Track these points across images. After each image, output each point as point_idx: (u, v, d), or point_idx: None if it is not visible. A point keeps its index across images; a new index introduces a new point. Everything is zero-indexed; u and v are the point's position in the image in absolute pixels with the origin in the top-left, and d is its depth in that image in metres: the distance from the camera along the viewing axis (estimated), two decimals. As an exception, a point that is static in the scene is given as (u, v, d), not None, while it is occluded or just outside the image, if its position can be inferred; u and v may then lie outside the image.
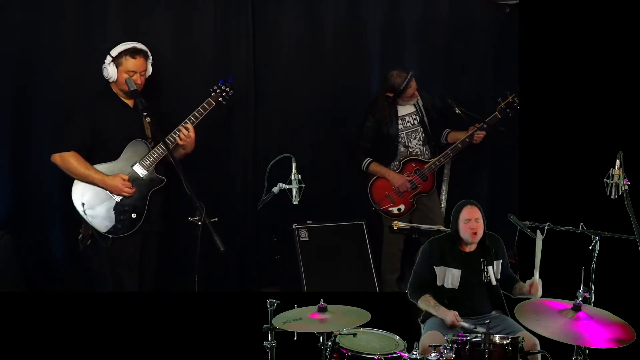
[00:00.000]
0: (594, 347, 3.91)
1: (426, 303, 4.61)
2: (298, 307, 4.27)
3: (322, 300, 4.21)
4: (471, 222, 4.63)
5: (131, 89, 5.14)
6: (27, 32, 5.60)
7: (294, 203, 4.72)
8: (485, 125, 5.84)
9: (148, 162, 5.20)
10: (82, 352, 5.15)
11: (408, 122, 5.96)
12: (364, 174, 5.98)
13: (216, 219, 4.86)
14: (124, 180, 5.13)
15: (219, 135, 5.91)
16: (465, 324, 4.40)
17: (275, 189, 4.78)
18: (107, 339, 5.18)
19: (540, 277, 4.47)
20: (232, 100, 5.51)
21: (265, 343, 4.29)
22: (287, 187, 4.72)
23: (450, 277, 4.63)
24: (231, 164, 5.99)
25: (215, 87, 5.40)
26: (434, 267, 4.66)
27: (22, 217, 5.72)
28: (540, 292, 4.50)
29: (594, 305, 4.16)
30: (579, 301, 4.00)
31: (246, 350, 4.87)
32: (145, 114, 5.09)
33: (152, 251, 5.37)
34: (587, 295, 4.10)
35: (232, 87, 5.43)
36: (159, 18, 5.79)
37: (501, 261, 4.73)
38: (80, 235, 5.21)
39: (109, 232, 5.13)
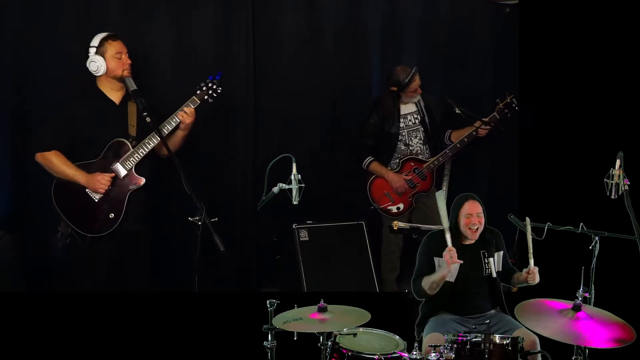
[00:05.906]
0: (594, 347, 3.92)
1: (427, 280, 4.51)
2: (298, 307, 4.26)
3: (322, 300, 4.21)
4: (472, 218, 4.58)
5: (131, 89, 5.12)
6: (27, 32, 5.60)
7: (294, 203, 4.71)
8: (483, 126, 5.85)
9: (129, 162, 5.16)
10: (82, 352, 5.15)
11: (409, 120, 5.98)
12: (363, 173, 5.99)
13: (216, 219, 4.86)
14: (103, 177, 5.09)
15: (219, 135, 5.91)
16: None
17: (275, 189, 4.77)
18: (107, 338, 5.18)
19: (535, 264, 4.42)
20: (222, 98, 5.39)
21: (265, 343, 4.29)
22: (287, 187, 4.71)
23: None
24: (231, 164, 5.99)
25: (202, 84, 5.28)
26: (434, 258, 4.60)
27: (22, 217, 5.72)
28: (537, 278, 4.43)
29: (593, 305, 4.16)
30: (579, 301, 4.00)
31: (246, 350, 4.86)
32: (145, 113, 5.07)
33: (134, 251, 5.30)
34: (587, 295, 4.11)
35: (220, 85, 5.30)
36: (159, 18, 5.79)
37: (502, 252, 4.70)
38: (59, 233, 5.20)
39: (87, 231, 5.11)
